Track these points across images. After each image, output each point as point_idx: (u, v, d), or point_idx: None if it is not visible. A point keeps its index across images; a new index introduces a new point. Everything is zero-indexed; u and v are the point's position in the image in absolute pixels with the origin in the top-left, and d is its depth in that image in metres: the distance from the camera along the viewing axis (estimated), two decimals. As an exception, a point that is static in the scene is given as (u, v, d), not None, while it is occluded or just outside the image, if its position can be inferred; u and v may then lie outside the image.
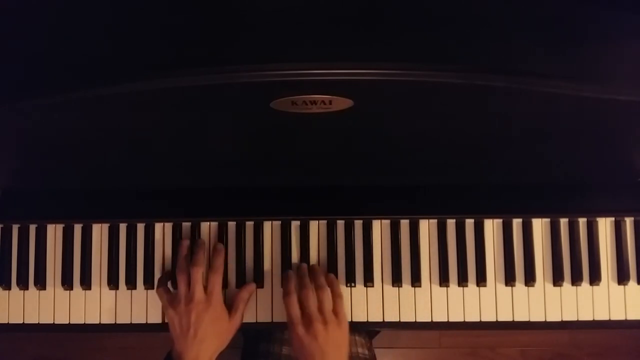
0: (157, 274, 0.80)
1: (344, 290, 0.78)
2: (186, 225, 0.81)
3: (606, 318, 0.78)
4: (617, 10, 0.57)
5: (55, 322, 0.81)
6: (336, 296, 0.75)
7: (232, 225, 0.80)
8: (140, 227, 0.81)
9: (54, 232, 0.81)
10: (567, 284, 0.79)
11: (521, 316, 0.78)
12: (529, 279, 0.78)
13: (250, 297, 0.78)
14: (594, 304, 0.79)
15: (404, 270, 0.79)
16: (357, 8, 0.55)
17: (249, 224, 0.80)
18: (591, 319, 0.78)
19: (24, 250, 0.81)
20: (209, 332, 0.72)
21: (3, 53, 0.56)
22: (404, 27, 0.54)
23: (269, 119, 0.57)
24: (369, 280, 0.79)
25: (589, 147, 0.68)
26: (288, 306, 0.73)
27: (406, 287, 0.79)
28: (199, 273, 0.75)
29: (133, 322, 0.80)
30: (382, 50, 0.52)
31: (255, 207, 0.80)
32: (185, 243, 0.79)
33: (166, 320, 0.76)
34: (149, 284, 0.80)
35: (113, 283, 0.80)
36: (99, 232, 0.81)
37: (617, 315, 0.78)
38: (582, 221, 0.80)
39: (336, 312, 0.73)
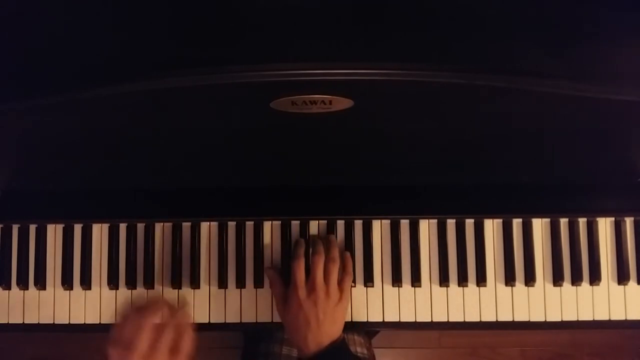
0: (157, 274, 0.80)
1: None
2: (186, 225, 0.80)
3: (606, 318, 0.78)
4: (617, 10, 0.57)
5: (55, 322, 0.81)
6: (346, 273, 0.75)
7: (232, 225, 0.80)
8: (140, 227, 0.81)
9: (54, 232, 0.81)
10: (567, 284, 0.79)
11: (521, 316, 0.78)
12: (529, 279, 0.78)
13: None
14: (594, 304, 0.79)
15: (404, 270, 0.79)
16: (357, 8, 0.55)
17: (249, 224, 0.80)
18: (591, 319, 0.78)
19: (24, 250, 0.81)
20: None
21: (3, 53, 0.56)
22: (404, 27, 0.54)
23: (269, 119, 0.57)
24: (369, 280, 0.79)
25: (589, 147, 0.68)
26: (295, 269, 0.73)
27: (406, 287, 0.79)
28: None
29: (133, 322, 0.80)
30: (382, 50, 0.52)
31: (255, 207, 0.80)
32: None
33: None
34: (149, 284, 0.80)
35: (113, 283, 0.80)
36: (99, 232, 0.81)
37: (617, 315, 0.78)
38: (582, 221, 0.80)
39: (342, 288, 0.74)
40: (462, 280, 0.78)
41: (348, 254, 0.78)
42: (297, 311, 0.71)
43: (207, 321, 0.79)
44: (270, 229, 0.80)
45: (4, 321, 0.81)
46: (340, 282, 0.74)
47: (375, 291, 0.79)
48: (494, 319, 0.79)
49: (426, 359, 1.47)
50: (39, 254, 0.81)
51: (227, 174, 0.77)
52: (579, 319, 0.78)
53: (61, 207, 0.81)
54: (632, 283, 0.79)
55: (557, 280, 0.78)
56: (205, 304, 0.79)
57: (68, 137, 0.64)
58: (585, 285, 0.79)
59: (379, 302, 0.79)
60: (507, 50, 0.53)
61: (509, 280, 0.78)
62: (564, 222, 0.80)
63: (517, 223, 0.80)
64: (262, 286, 0.79)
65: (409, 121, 0.61)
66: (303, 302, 0.71)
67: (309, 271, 0.74)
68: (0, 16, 0.58)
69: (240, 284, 0.79)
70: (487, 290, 0.79)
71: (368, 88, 0.53)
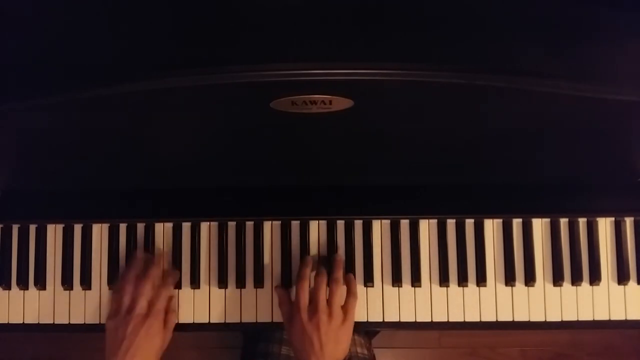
0: (157, 274, 0.80)
1: (343, 290, 0.78)
2: (186, 225, 0.80)
3: (606, 318, 0.78)
4: (617, 10, 0.57)
5: (55, 322, 0.81)
6: (350, 294, 0.75)
7: (232, 225, 0.80)
8: (140, 227, 0.81)
9: (54, 232, 0.81)
10: (567, 284, 0.79)
11: (521, 316, 0.78)
12: (529, 279, 0.78)
13: (173, 302, 0.77)
14: (594, 304, 0.79)
15: (404, 270, 0.79)
16: (357, 8, 0.55)
17: (249, 224, 0.80)
18: (591, 319, 0.78)
19: (24, 250, 0.81)
20: (142, 348, 0.70)
21: (4, 53, 0.56)
22: (405, 27, 0.54)
23: (269, 119, 0.57)
24: (369, 280, 0.79)
25: (589, 147, 0.68)
26: (298, 290, 0.73)
27: (406, 287, 0.79)
28: (146, 287, 0.74)
29: (133, 322, 0.80)
30: (382, 50, 0.52)
31: (255, 207, 0.80)
32: (140, 255, 0.78)
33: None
34: (149, 284, 0.80)
35: (113, 283, 0.80)
36: (99, 232, 0.81)
37: (617, 315, 0.78)
38: (582, 221, 0.80)
39: (345, 309, 0.73)
40: (462, 280, 0.78)
41: (351, 275, 0.77)
42: (301, 333, 0.71)
43: (207, 321, 0.79)
44: (270, 229, 0.80)
45: (4, 321, 0.81)
46: (345, 303, 0.74)
47: (375, 291, 0.79)
48: (494, 319, 0.79)
49: (426, 359, 1.47)
50: (39, 254, 0.81)
51: (227, 174, 0.77)
52: (579, 319, 0.78)
53: (61, 207, 0.81)
54: (632, 283, 0.79)
55: (557, 280, 0.78)
56: (205, 304, 0.79)
57: (68, 137, 0.64)
58: (585, 285, 0.79)
59: (379, 302, 0.79)
60: (507, 50, 0.53)
61: (509, 280, 0.78)
62: (564, 222, 0.80)
63: (517, 223, 0.80)
64: (262, 286, 0.79)
65: (409, 121, 0.61)
66: (305, 324, 0.71)
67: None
68: (0, 16, 0.58)
69: (240, 284, 0.79)
70: (487, 290, 0.79)
71: (368, 88, 0.53)
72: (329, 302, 0.73)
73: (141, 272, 0.76)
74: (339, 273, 0.75)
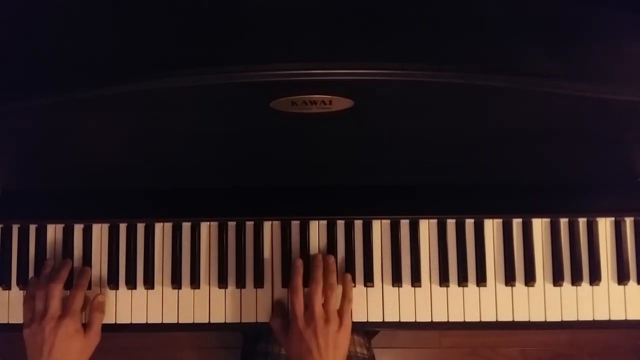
0: (157, 274, 0.80)
1: (340, 293, 0.78)
2: (186, 225, 0.80)
3: (606, 318, 0.78)
4: (617, 10, 0.57)
5: (55, 322, 0.81)
6: (345, 299, 0.75)
7: (232, 225, 0.80)
8: (140, 227, 0.81)
9: (54, 232, 0.81)
10: (567, 284, 0.79)
11: (521, 316, 0.78)
12: (529, 279, 0.78)
13: (103, 307, 0.78)
14: (594, 304, 0.79)
15: (404, 270, 0.79)
16: (357, 8, 0.55)
17: (249, 224, 0.80)
18: (591, 319, 0.78)
19: (24, 250, 0.81)
20: (63, 349, 0.71)
21: (4, 53, 0.56)
22: (404, 27, 0.54)
23: (269, 119, 0.57)
24: (369, 280, 0.79)
25: (589, 147, 0.68)
26: (293, 299, 0.73)
27: (406, 287, 0.79)
28: (56, 289, 0.74)
29: (133, 322, 0.80)
30: (382, 50, 0.52)
31: (255, 207, 0.80)
32: (50, 262, 0.79)
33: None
34: (149, 284, 0.80)
35: (113, 283, 0.80)
36: (99, 232, 0.81)
37: (617, 315, 0.78)
38: (582, 221, 0.80)
39: (341, 313, 0.73)
40: (462, 280, 0.78)
41: (349, 277, 0.77)
42: (299, 342, 0.71)
43: (207, 321, 0.79)
44: (270, 229, 0.80)
45: (4, 321, 0.81)
46: (340, 308, 0.74)
47: (375, 291, 0.79)
48: (494, 319, 0.79)
49: (426, 359, 1.47)
50: (39, 254, 0.81)
51: (227, 174, 0.77)
52: (579, 319, 0.78)
53: (61, 207, 0.81)
54: (632, 283, 0.79)
55: (557, 280, 0.78)
56: (205, 304, 0.80)
57: (68, 137, 0.64)
58: (585, 285, 0.79)
59: (379, 302, 0.79)
60: (507, 50, 0.54)
61: (509, 280, 0.78)
62: (564, 222, 0.80)
63: (517, 223, 0.80)
64: (262, 286, 0.79)
65: (409, 121, 0.61)
66: (303, 332, 0.71)
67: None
68: (0, 16, 0.58)
69: (240, 284, 0.79)
70: (487, 290, 0.79)
71: (368, 88, 0.53)
72: (325, 307, 0.72)
73: (50, 276, 0.77)
74: (333, 278, 0.75)
